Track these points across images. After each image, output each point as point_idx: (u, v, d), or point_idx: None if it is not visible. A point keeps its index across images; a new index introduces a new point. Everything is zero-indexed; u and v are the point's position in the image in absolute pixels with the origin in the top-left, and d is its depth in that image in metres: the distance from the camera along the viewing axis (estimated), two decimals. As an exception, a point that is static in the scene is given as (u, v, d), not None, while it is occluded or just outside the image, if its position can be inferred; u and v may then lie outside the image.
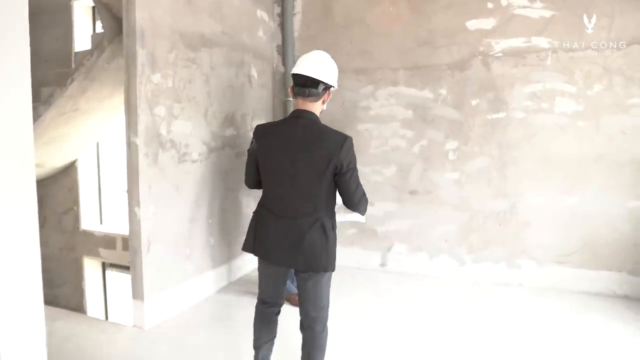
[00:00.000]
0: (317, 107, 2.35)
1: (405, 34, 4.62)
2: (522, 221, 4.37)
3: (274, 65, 5.12)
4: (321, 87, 2.29)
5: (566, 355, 3.16)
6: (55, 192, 6.34)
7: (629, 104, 4.02)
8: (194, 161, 3.96)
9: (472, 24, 4.40)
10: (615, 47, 4.02)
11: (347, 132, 4.78)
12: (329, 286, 2.42)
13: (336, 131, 2.29)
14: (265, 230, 2.34)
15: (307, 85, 2.27)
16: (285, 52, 5.00)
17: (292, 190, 2.28)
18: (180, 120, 3.78)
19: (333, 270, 2.31)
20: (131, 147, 3.43)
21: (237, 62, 4.45)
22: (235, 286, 4.45)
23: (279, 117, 5.13)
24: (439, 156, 4.57)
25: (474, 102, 4.43)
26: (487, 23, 4.36)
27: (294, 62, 5.00)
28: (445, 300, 4.10)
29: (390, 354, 3.19)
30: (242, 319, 3.69)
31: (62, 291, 6.51)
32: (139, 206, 3.46)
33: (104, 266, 6.35)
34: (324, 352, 2.43)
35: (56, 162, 5.93)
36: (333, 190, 2.31)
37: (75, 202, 6.19)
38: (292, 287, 3.95)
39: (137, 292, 3.54)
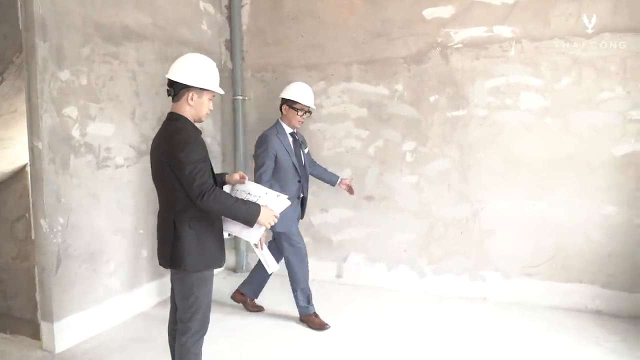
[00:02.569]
0: (181, 108, 2.25)
1: (359, 25, 4.23)
2: (486, 229, 3.97)
3: (222, 62, 4.74)
4: (178, 88, 2.22)
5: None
6: (7, 198, 6.01)
7: (600, 98, 3.62)
8: (118, 166, 3.60)
9: (429, 13, 4.01)
10: (584, 35, 3.62)
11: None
12: (199, 292, 2.27)
13: (177, 127, 2.20)
14: None
15: (168, 86, 2.27)
16: (233, 47, 4.62)
17: (158, 191, 2.33)
18: (98, 121, 3.42)
19: (187, 269, 2.22)
20: (34, 152, 3.08)
21: (173, 57, 4.00)
22: (175, 301, 4.09)
23: (228, 117, 4.76)
24: (396, 158, 4.18)
25: (432, 99, 4.04)
26: (446, 11, 3.97)
27: (243, 58, 4.69)
28: (403, 316, 3.73)
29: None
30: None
31: (15, 302, 6.17)
32: (44, 218, 3.11)
33: (59, 276, 5.99)
34: None
35: (3, 166, 5.60)
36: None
37: (27, 209, 5.86)
38: (247, 288, 3.79)
39: (46, 314, 3.20)
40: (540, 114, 3.77)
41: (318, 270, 4.53)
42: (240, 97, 4.62)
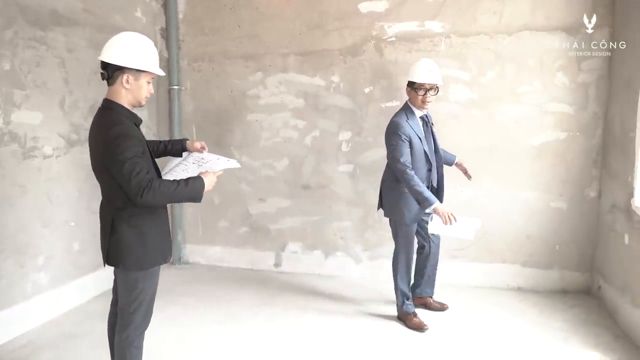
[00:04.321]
0: (117, 93, 2.11)
1: (296, 16, 4.28)
2: (418, 215, 4.16)
3: (158, 50, 4.59)
4: (112, 70, 2.06)
5: (454, 353, 3.00)
6: None
7: (520, 91, 3.89)
8: (46, 157, 3.46)
9: (365, 6, 4.12)
10: (506, 32, 3.87)
11: (236, 123, 4.53)
12: (143, 285, 2.20)
13: (112, 120, 2.05)
14: None
15: (102, 69, 2.10)
16: (169, 36, 4.53)
17: (100, 184, 2.21)
18: (24, 109, 3.26)
19: (126, 268, 2.16)
20: (-48, 141, 2.90)
21: (105, 44, 3.95)
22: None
23: (163, 107, 4.67)
24: (332, 148, 4.28)
25: (367, 90, 4.17)
26: (380, 6, 4.10)
27: (179, 47, 4.61)
28: (341, 301, 3.85)
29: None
30: (103, 332, 3.26)
31: None
32: (-37, 211, 2.94)
33: None
34: None
35: None
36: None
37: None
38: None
39: (-33, 312, 3.03)
40: (467, 106, 4.00)
41: (257, 260, 4.59)
42: (177, 87, 4.55)
